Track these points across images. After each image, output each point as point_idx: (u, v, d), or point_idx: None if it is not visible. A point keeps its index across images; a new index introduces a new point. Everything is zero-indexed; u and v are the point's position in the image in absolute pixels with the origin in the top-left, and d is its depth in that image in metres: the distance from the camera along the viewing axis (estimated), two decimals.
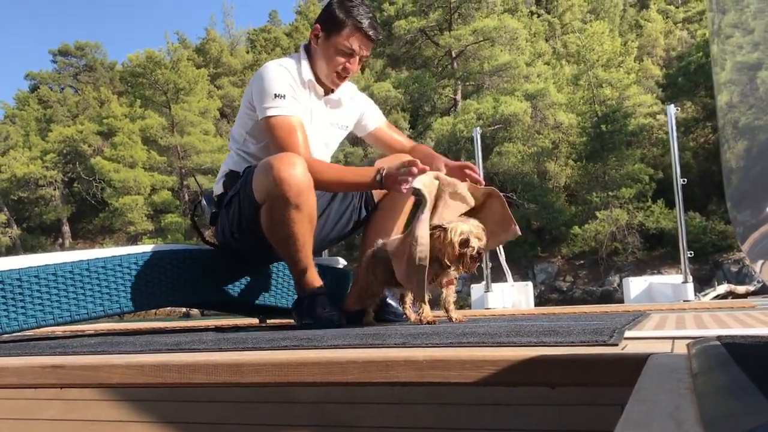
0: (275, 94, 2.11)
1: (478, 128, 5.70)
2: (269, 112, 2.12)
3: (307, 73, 2.19)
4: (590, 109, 23.97)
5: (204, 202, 2.35)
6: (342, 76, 2.21)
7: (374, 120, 2.42)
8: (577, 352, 1.04)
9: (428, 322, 1.92)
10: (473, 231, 1.86)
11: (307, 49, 2.24)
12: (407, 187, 1.94)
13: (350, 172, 2.07)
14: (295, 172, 1.97)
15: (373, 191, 2.38)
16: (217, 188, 2.34)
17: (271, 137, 2.11)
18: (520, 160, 23.51)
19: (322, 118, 2.26)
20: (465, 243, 1.85)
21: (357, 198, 2.39)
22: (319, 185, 2.05)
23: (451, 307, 2.00)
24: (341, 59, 2.19)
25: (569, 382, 0.98)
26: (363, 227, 2.42)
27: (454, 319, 1.98)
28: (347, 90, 2.35)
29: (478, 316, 2.95)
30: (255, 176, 2.05)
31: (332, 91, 2.27)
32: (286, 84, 2.14)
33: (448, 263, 1.86)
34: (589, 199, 22.62)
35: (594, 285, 21.46)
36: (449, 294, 1.96)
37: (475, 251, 1.85)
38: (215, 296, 2.37)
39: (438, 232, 1.88)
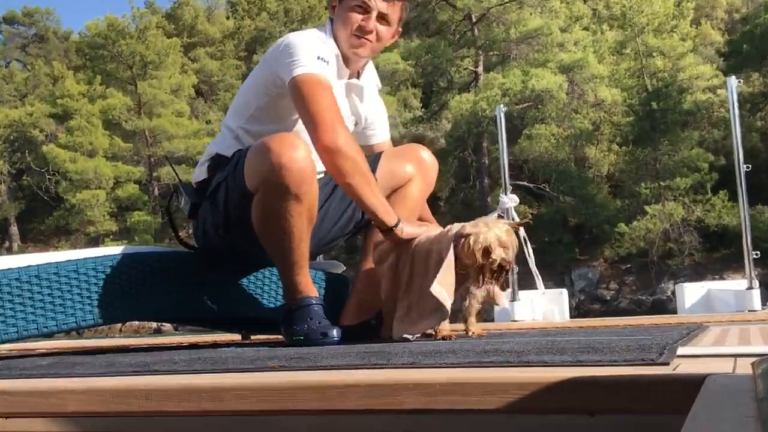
0: (318, 56, 2.09)
1: (502, 106, 5.67)
2: (309, 69, 2.06)
3: (335, 47, 2.21)
4: (638, 83, 23.90)
5: (182, 190, 2.37)
6: (359, 37, 2.21)
7: (381, 133, 2.44)
8: (620, 372, 1.04)
9: (443, 338, 1.93)
10: (500, 239, 1.88)
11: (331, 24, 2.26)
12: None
13: (378, 194, 2.07)
14: (297, 156, 1.98)
15: (381, 182, 2.37)
16: (199, 173, 2.36)
17: (303, 96, 2.04)
18: (554, 144, 23.48)
19: (342, 105, 2.24)
20: (486, 253, 1.88)
21: None
22: (345, 178, 2.03)
23: (472, 319, 2.02)
24: (356, 16, 2.20)
25: (611, 408, 0.99)
26: (366, 228, 2.43)
27: (470, 333, 2.00)
28: (371, 78, 2.36)
29: (502, 330, 2.96)
30: (248, 159, 2.06)
31: (358, 75, 2.28)
32: (329, 52, 2.14)
33: (469, 276, 1.91)
34: (637, 191, 22.56)
35: (643, 293, 21.43)
36: (473, 303, 1.99)
37: (496, 264, 1.88)
38: (191, 308, 2.39)
39: (459, 239, 1.91)
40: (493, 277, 1.91)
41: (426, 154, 2.44)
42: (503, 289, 1.98)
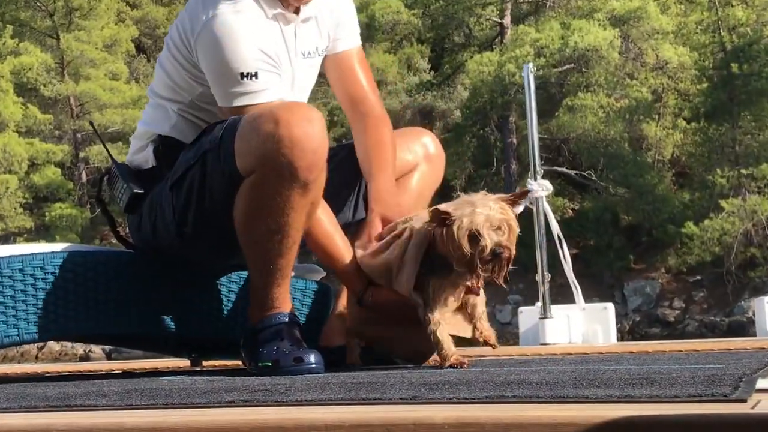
0: (242, 74, 2.17)
1: (532, 66, 5.62)
2: (238, 102, 2.19)
3: (271, 4, 2.24)
4: (712, 40, 23.91)
5: (118, 174, 2.38)
6: None
7: (348, 40, 2.47)
8: (682, 411, 1.04)
9: (451, 365, 1.93)
10: (490, 219, 1.89)
11: None
12: None
13: (339, 247, 2.23)
14: (313, 132, 2.03)
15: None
16: (140, 159, 2.37)
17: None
18: (602, 119, 23.48)
19: (296, 51, 2.32)
20: (474, 239, 1.89)
21: (351, 188, 2.45)
22: (314, 242, 2.23)
23: (483, 323, 2.06)
24: None
25: None
26: (355, 229, 2.45)
27: (485, 339, 2.06)
28: (326, 3, 2.40)
29: (529, 355, 2.96)
30: (242, 132, 2.09)
31: (297, 11, 2.31)
32: (254, 49, 2.19)
33: (457, 268, 1.93)
34: (711, 181, 22.59)
35: (718, 314, 21.47)
36: (477, 304, 2.02)
37: (487, 251, 1.89)
38: (126, 325, 2.39)
39: (439, 226, 1.94)
40: (489, 269, 1.92)
41: (429, 140, 2.47)
42: (506, 282, 1.99)
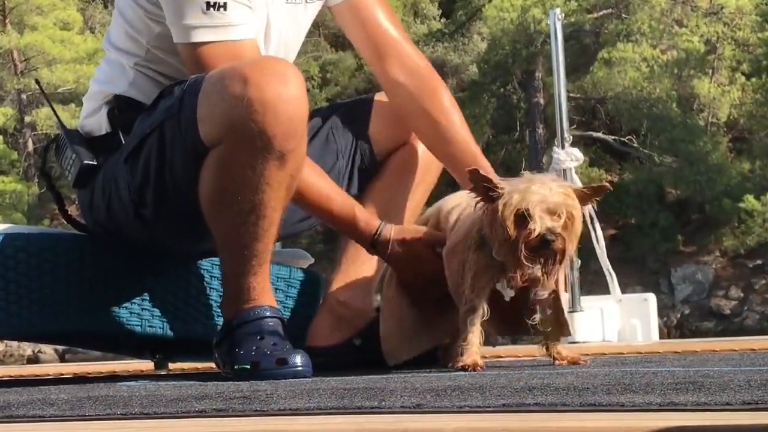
0: (207, 3, 2.15)
1: (558, 10, 5.58)
2: (198, 36, 2.16)
3: None
4: None
5: (67, 142, 2.38)
6: None
7: None
8: (734, 421, 1.05)
9: (463, 368, 1.94)
10: (546, 201, 1.87)
11: None
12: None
13: (338, 202, 2.22)
14: (288, 93, 2.03)
15: (375, 138, 2.46)
16: (93, 123, 2.37)
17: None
18: (645, 74, 23.45)
19: None
20: (521, 220, 1.87)
21: (345, 158, 2.45)
22: (298, 199, 2.19)
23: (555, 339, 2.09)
24: None
25: None
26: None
27: (560, 360, 2.07)
28: None
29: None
30: (205, 94, 2.08)
31: None
32: None
33: (496, 255, 1.92)
34: None
35: None
36: (543, 309, 2.03)
37: (534, 236, 1.86)
38: (79, 321, 2.39)
39: (481, 197, 1.93)
40: (534, 259, 1.90)
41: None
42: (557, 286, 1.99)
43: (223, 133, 2.05)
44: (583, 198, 1.97)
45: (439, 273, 2.10)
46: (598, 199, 2.00)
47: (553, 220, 1.88)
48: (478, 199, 1.96)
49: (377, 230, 2.20)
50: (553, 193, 1.89)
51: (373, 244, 2.21)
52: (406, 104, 2.39)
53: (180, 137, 2.12)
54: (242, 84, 2.01)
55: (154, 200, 2.22)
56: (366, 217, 2.22)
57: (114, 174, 2.28)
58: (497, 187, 1.92)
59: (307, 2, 2.37)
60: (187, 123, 2.10)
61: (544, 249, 1.88)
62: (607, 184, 2.07)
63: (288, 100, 2.01)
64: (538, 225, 1.86)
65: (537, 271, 1.93)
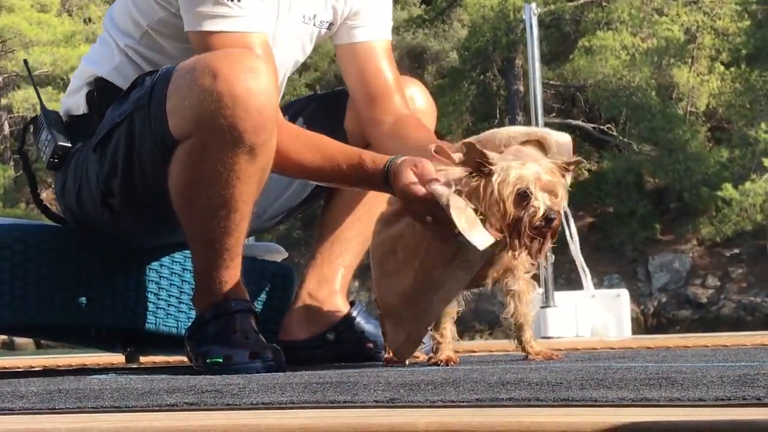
0: None
1: (534, 5, 5.59)
2: (209, 25, 2.14)
3: None
4: None
5: (44, 123, 2.36)
6: None
7: (372, 29, 2.41)
8: (708, 417, 1.05)
9: (437, 363, 1.94)
10: (541, 177, 1.87)
11: None
12: (431, 192, 1.97)
13: (341, 153, 2.13)
14: (258, 87, 2.02)
15: (351, 131, 2.43)
16: (73, 104, 2.36)
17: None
18: (625, 62, 23.49)
19: (290, 6, 2.28)
20: (522, 199, 1.86)
21: None
22: (287, 166, 2.13)
23: (526, 331, 2.05)
24: None
25: None
26: (324, 200, 2.47)
27: (532, 355, 2.05)
28: None
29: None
30: (175, 84, 2.07)
31: None
32: None
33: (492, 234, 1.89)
34: (753, 136, 22.68)
35: (759, 294, 21.65)
36: (520, 303, 2.01)
37: (540, 215, 1.86)
38: (49, 314, 2.38)
39: (477, 178, 1.89)
40: (536, 238, 1.89)
41: (417, 92, 2.45)
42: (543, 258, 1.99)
43: (192, 126, 2.04)
44: (563, 170, 1.97)
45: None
46: (573, 170, 2.00)
47: (551, 198, 1.88)
48: (470, 172, 1.92)
49: (386, 165, 2.05)
50: (546, 170, 1.90)
51: (386, 179, 2.04)
52: (383, 137, 2.35)
53: (149, 129, 2.11)
54: (212, 78, 2.00)
55: (122, 191, 2.21)
56: (373, 155, 2.11)
57: (85, 160, 2.27)
58: (491, 163, 1.89)
59: (315, 26, 2.35)
60: (156, 115, 2.09)
61: (546, 227, 1.88)
62: (581, 159, 2.08)
63: (258, 93, 2.01)
64: (542, 204, 1.86)
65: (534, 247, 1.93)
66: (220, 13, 2.13)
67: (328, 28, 2.37)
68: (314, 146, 2.15)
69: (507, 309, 2.04)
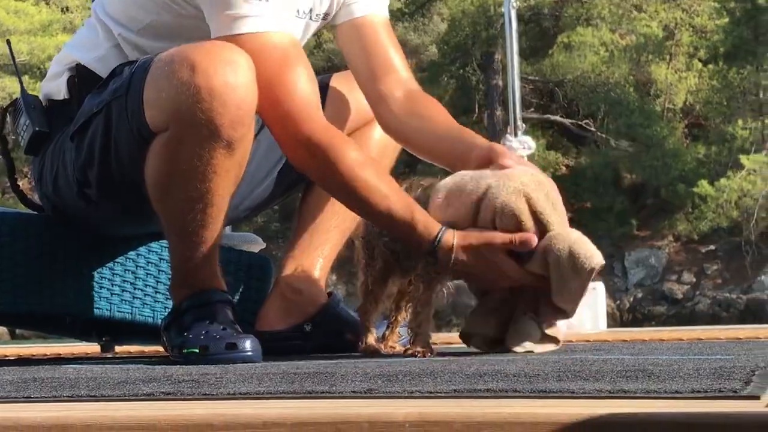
0: None
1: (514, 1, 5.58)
2: (241, 27, 2.08)
3: None
4: None
5: (22, 107, 2.34)
6: None
7: (370, 3, 2.37)
8: (684, 409, 1.06)
9: (413, 354, 1.96)
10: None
11: None
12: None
13: (397, 204, 2.05)
14: (237, 81, 2.00)
15: (330, 122, 2.40)
16: (53, 87, 2.34)
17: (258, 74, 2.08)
18: (604, 59, 23.56)
19: (290, 5, 2.24)
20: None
21: None
22: (333, 189, 2.15)
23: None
24: None
25: None
26: (303, 191, 2.46)
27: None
28: None
29: None
30: (153, 76, 2.05)
31: None
32: None
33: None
34: (730, 133, 22.82)
35: (734, 290, 21.77)
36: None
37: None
38: (23, 302, 2.38)
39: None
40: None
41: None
42: None
43: (169, 119, 2.02)
44: None
45: (521, 276, 1.99)
46: None
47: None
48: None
49: (437, 236, 1.98)
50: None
51: (432, 252, 1.99)
52: (398, 114, 2.29)
53: (126, 120, 2.10)
54: (190, 70, 1.98)
55: (98, 181, 2.20)
56: (425, 219, 2.02)
57: (63, 148, 2.26)
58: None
59: (311, 20, 2.33)
60: (133, 106, 2.07)
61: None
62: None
63: (236, 87, 1.99)
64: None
65: None
66: (250, 13, 2.08)
67: (324, 19, 2.35)
68: (372, 187, 2.07)
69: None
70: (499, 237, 1.96)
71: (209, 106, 1.98)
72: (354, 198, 2.10)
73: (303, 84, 2.12)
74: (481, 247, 1.97)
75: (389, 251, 2.09)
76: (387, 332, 2.18)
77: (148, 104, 2.05)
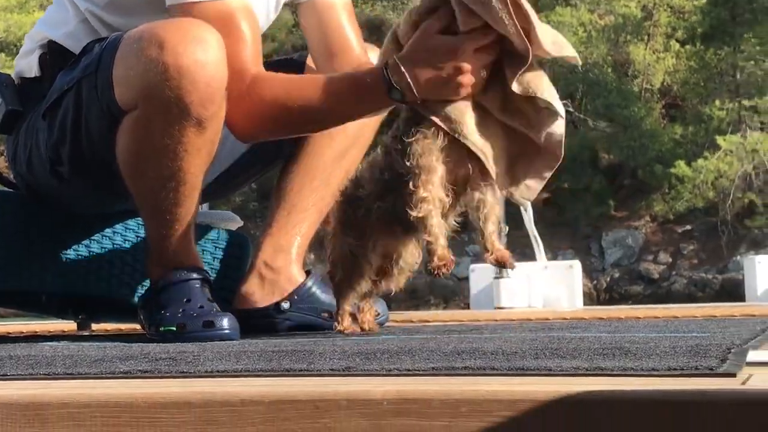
0: None
1: None
2: None
3: None
4: None
5: None
6: None
7: None
8: (661, 386, 1.06)
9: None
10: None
11: None
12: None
13: (333, 79, 2.05)
14: (206, 58, 1.99)
15: None
16: (25, 65, 2.34)
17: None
18: (582, 39, 23.58)
19: None
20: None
21: None
22: (285, 124, 2.09)
23: (493, 240, 1.96)
24: None
25: None
26: (280, 169, 2.45)
27: (497, 260, 1.96)
28: None
29: (482, 321, 3.01)
30: (122, 54, 2.04)
31: None
32: None
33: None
34: (707, 114, 22.92)
35: (710, 270, 21.93)
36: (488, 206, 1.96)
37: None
38: (1, 279, 2.37)
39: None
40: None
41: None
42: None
43: (138, 97, 2.02)
44: None
45: (465, 43, 1.91)
46: None
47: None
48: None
49: (382, 66, 1.97)
50: None
51: (389, 84, 1.94)
52: None
53: (96, 98, 2.09)
54: (158, 48, 1.97)
55: (70, 159, 2.19)
56: (363, 70, 2.07)
57: (36, 126, 2.25)
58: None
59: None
60: (103, 84, 2.06)
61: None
62: None
63: (206, 65, 1.98)
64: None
65: None
66: None
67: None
68: (307, 82, 2.13)
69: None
70: (425, 23, 1.94)
71: (178, 84, 1.97)
72: (295, 111, 2.08)
73: (248, 53, 2.10)
74: (417, 42, 1.94)
75: (364, 211, 2.01)
76: (365, 306, 2.13)
77: (117, 82, 2.04)
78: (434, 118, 1.91)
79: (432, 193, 1.88)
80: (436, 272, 1.89)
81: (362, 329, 2.10)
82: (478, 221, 1.97)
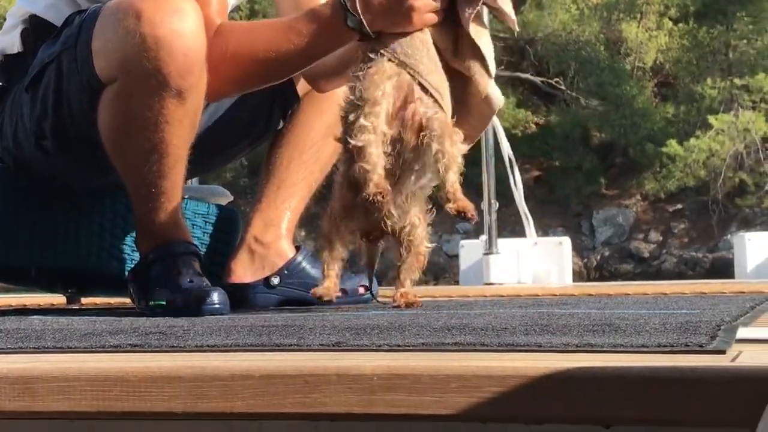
0: None
1: None
2: None
3: None
4: None
5: None
6: None
7: None
8: (651, 363, 1.06)
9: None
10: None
11: None
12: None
13: (289, 25, 2.05)
14: (184, 28, 1.98)
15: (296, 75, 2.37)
16: (7, 41, 2.33)
17: None
18: (575, 16, 23.54)
19: None
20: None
21: (265, 93, 2.38)
22: (245, 69, 2.07)
23: (454, 190, 1.93)
24: None
25: (636, 417, 1.00)
26: (270, 143, 2.46)
27: (458, 210, 1.94)
28: None
29: (472, 297, 3.05)
30: (100, 27, 2.04)
31: None
32: None
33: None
34: (699, 93, 22.90)
35: (700, 249, 21.95)
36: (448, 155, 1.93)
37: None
38: None
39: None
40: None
41: None
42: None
43: (116, 69, 2.01)
44: None
45: None
46: None
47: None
48: None
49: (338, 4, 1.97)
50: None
51: (345, 14, 1.95)
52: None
53: (76, 71, 2.08)
54: (135, 19, 1.96)
55: (53, 133, 2.19)
56: (318, 7, 2.05)
57: (20, 101, 2.25)
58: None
59: None
60: (82, 56, 2.06)
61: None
62: None
63: (183, 35, 1.97)
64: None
65: None
66: None
67: None
68: (269, 24, 2.14)
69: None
70: None
71: (155, 55, 1.96)
72: (260, 55, 2.06)
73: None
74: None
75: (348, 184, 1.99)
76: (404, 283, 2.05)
77: (96, 54, 2.03)
78: (385, 51, 1.90)
79: (373, 124, 1.87)
80: (371, 199, 1.86)
81: (407, 305, 2.01)
82: (437, 173, 1.93)
